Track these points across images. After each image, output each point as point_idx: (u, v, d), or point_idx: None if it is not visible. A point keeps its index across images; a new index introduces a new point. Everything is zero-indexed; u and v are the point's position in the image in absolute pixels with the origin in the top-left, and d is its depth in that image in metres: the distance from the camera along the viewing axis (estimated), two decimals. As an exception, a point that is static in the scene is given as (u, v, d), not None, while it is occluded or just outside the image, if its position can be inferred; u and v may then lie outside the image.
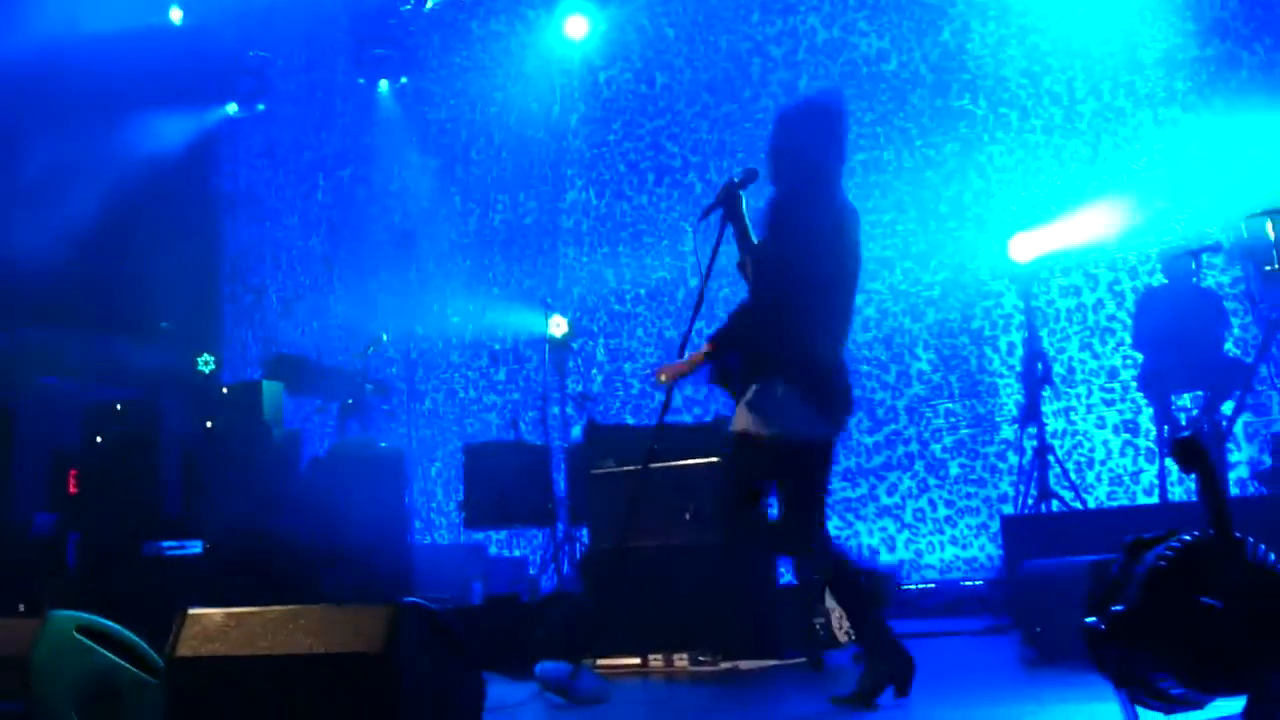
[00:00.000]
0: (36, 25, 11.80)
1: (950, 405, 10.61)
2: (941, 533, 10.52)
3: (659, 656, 7.11)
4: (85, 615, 4.99)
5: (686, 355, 5.86)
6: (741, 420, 5.27)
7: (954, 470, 10.54)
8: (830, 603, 6.86)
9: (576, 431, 10.51)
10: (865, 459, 10.74)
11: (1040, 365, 9.49)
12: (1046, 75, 10.53)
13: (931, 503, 10.56)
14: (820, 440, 5.34)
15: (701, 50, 11.81)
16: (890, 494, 10.67)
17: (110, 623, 5.02)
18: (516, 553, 11.67)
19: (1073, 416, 10.18)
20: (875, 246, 10.82)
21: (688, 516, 7.40)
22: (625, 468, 7.90)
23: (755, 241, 5.45)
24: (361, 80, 13.48)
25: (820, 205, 5.34)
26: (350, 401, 11.20)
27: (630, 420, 11.49)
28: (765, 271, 5.36)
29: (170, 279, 13.34)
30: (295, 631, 3.83)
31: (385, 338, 11.35)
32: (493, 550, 11.51)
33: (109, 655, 4.93)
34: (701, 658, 7.01)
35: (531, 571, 10.87)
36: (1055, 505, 9.20)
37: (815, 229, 5.29)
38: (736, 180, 5.57)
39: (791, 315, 5.30)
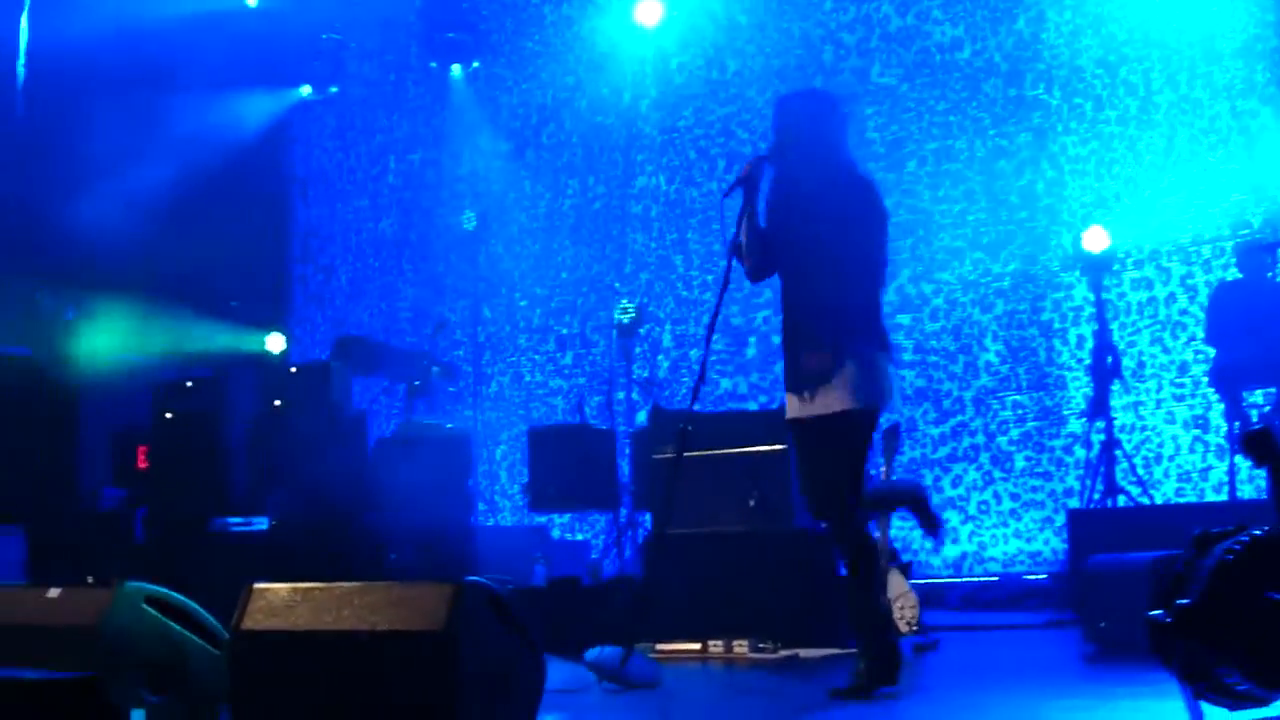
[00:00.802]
0: (117, 7, 11.94)
1: (1018, 397, 10.54)
2: (1006, 526, 10.45)
3: (719, 643, 7.12)
4: (154, 587, 5.05)
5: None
6: (841, 398, 5.22)
7: (1020, 463, 10.47)
8: (892, 592, 6.84)
9: (641, 417, 10.51)
10: (930, 450, 10.69)
11: (1110, 359, 9.40)
12: (1123, 65, 10.42)
13: (996, 495, 10.49)
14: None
15: (774, 37, 11.77)
16: (955, 485, 10.61)
17: (178, 595, 5.09)
18: (579, 536, 11.70)
19: (1142, 411, 10.08)
20: (945, 236, 10.77)
21: (752, 503, 7.40)
22: (690, 453, 7.89)
23: (762, 225, 5.52)
24: (434, 64, 13.53)
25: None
26: (417, 383, 11.27)
27: (696, 406, 11.47)
28: (836, 244, 5.32)
29: (241, 259, 13.47)
30: (359, 608, 3.86)
31: (453, 320, 11.40)
32: (555, 533, 11.54)
33: (176, 627, 5.00)
34: (761, 645, 7.01)
35: (594, 555, 10.89)
36: (1122, 500, 9.12)
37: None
38: (766, 154, 5.49)
39: (873, 286, 5.47)
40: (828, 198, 5.24)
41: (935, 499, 10.49)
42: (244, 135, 14.17)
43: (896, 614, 6.78)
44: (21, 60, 12.62)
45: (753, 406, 11.12)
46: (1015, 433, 10.50)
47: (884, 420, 9.88)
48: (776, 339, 11.21)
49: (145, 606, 4.97)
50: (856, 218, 5.25)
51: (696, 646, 7.12)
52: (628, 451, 10.39)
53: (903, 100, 11.15)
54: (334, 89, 14.40)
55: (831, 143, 5.43)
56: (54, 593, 5.25)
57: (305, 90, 14.42)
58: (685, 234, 11.94)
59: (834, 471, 5.28)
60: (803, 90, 5.60)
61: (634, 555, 9.69)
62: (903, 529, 10.32)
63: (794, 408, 5.39)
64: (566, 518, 11.63)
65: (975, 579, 10.32)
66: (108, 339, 12.67)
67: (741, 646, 7.02)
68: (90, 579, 9.84)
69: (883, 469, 7.30)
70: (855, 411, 5.19)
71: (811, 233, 5.30)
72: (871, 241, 5.27)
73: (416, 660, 3.68)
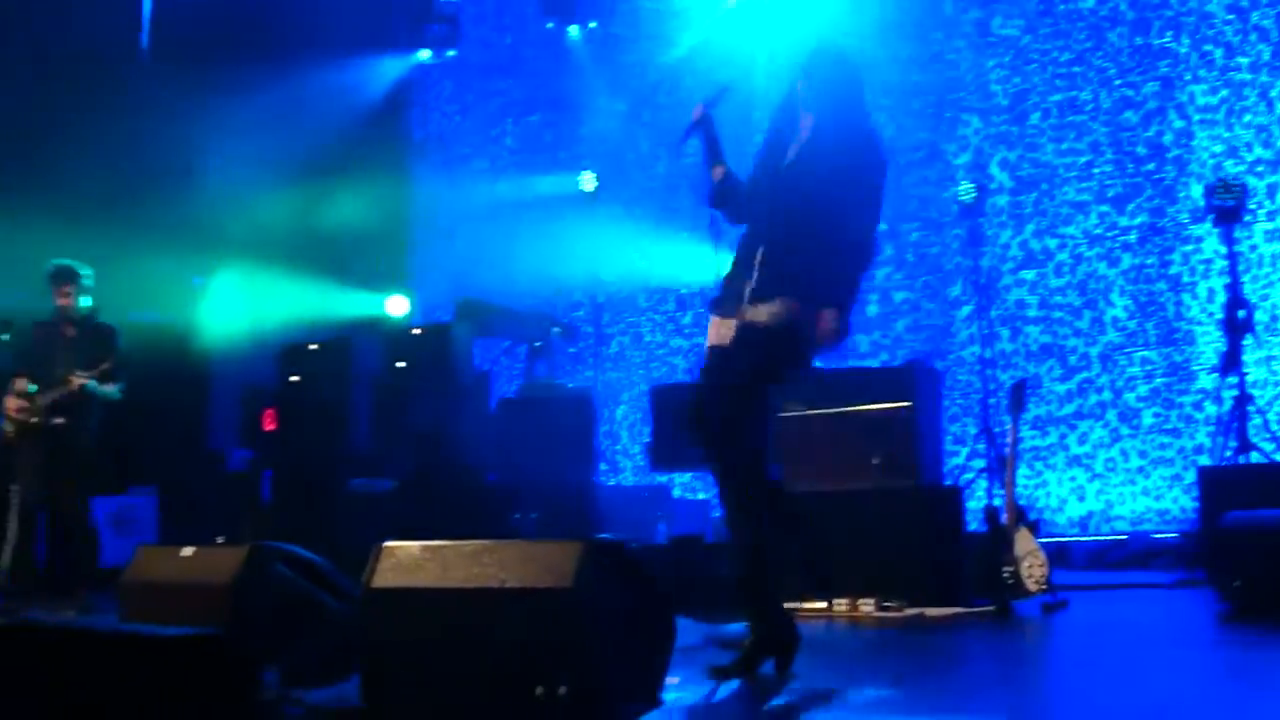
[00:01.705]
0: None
1: (1146, 353, 10.34)
2: (1133, 484, 10.27)
3: (844, 601, 7.08)
4: (285, 545, 5.14)
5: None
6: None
7: (1148, 420, 10.28)
8: (1020, 550, 6.76)
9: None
10: (1056, 407, 10.53)
11: (1242, 312, 9.19)
12: (1254, 10, 10.14)
13: (1124, 453, 10.32)
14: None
15: (892, -10, 11.63)
16: (1081, 443, 10.45)
17: (308, 553, 5.17)
18: (700, 495, 11.70)
19: (1275, 366, 9.84)
20: (1070, 190, 10.59)
21: (876, 461, 7.34)
22: (813, 410, 7.86)
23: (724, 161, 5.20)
24: (551, 25, 13.53)
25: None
26: (538, 344, 11.33)
27: (817, 364, 11.42)
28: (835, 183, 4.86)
29: (363, 223, 13.61)
30: (488, 565, 3.89)
31: (572, 283, 11.44)
32: (676, 493, 11.56)
33: (307, 584, 5.08)
34: (887, 603, 6.96)
35: (715, 514, 10.90)
36: (1255, 457, 8.92)
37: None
38: (709, 99, 5.31)
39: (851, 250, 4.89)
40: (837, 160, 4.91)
41: (1060, 457, 10.37)
42: (364, 100, 14.31)
43: (1025, 572, 6.71)
44: (145, 26, 12.83)
45: (874, 364, 11.03)
46: (1143, 389, 10.30)
47: (1010, 377, 9.80)
48: (898, 296, 11.15)
49: (277, 564, 5.05)
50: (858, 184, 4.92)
51: (823, 605, 7.09)
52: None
53: (1025, 52, 10.95)
54: (452, 53, 14.48)
55: (855, 103, 5.15)
56: (188, 552, 5.36)
57: (424, 54, 14.51)
58: (804, 191, 11.84)
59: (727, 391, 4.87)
60: (832, 47, 5.27)
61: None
62: (1028, 486, 10.22)
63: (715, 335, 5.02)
64: (688, 476, 11.63)
65: (1103, 537, 10.16)
66: (235, 304, 12.88)
67: (867, 605, 6.98)
68: (220, 539, 10.07)
69: (1009, 426, 7.22)
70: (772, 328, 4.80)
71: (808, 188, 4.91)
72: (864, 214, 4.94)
73: (545, 617, 3.70)
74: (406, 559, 4.07)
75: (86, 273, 8.68)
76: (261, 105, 12.55)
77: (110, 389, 8.50)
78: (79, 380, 8.25)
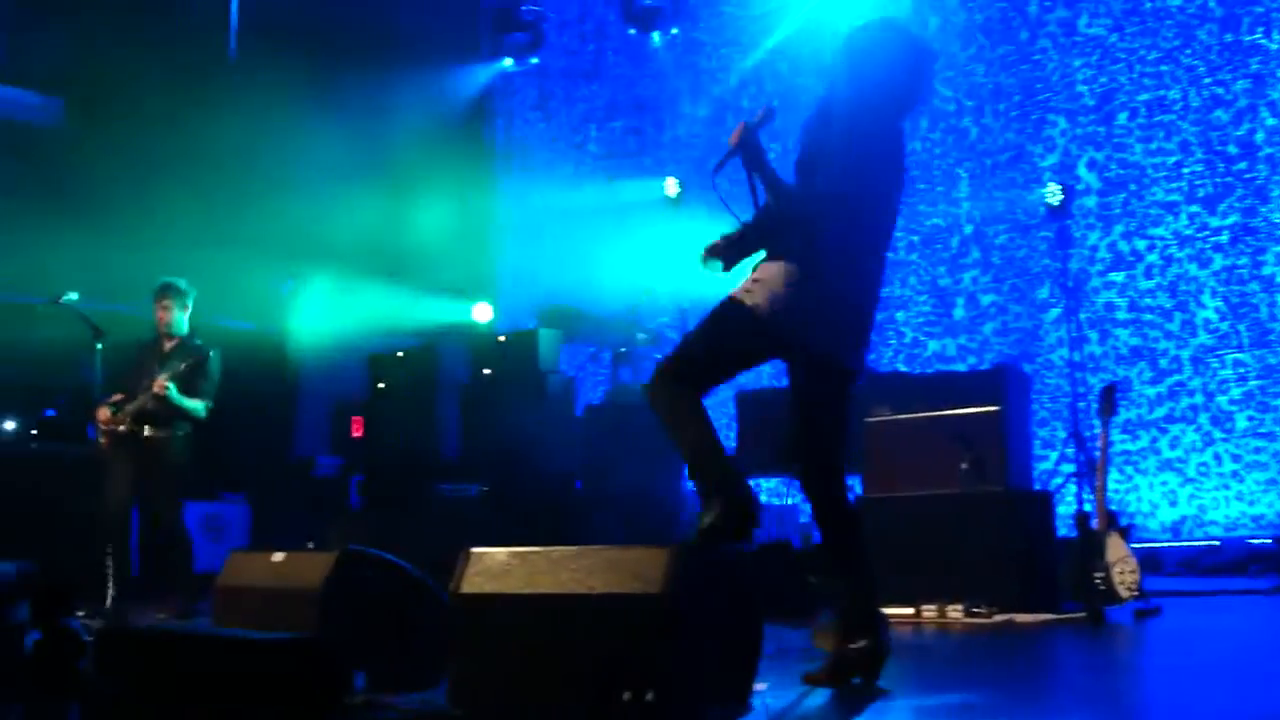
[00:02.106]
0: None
1: (1239, 355, 10.18)
2: (1227, 488, 10.11)
3: (932, 607, 7.03)
4: (374, 551, 5.18)
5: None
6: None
7: (1241, 423, 10.12)
8: (1112, 556, 6.68)
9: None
10: (1146, 410, 10.40)
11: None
12: (1349, 5, 9.98)
13: (1217, 457, 10.17)
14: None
15: (976, -10, 11.55)
16: (1173, 447, 10.30)
17: (396, 559, 5.21)
18: (789, 500, 11.66)
19: (1373, 368, 9.67)
20: (1159, 190, 10.45)
21: (964, 465, 7.28)
22: (900, 415, 7.82)
23: (782, 182, 4.72)
24: (632, 31, 13.57)
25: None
26: (623, 350, 11.34)
27: (903, 368, 11.36)
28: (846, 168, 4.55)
29: (448, 231, 13.70)
30: (576, 571, 3.89)
31: (656, 287, 11.45)
32: (764, 498, 11.52)
33: (396, 590, 5.12)
34: (976, 609, 6.90)
35: (803, 519, 10.85)
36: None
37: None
38: (754, 122, 4.78)
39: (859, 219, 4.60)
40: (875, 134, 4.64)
41: (1151, 461, 10.23)
42: (449, 108, 14.42)
43: (1116, 578, 6.63)
44: (232, 36, 13.00)
45: (961, 368, 10.95)
46: (1236, 392, 10.14)
47: (1099, 380, 9.69)
48: (986, 299, 11.06)
49: (366, 570, 5.10)
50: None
51: (910, 611, 7.04)
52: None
53: (1112, 51, 10.83)
54: (535, 60, 14.56)
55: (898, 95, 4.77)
56: (279, 557, 5.41)
57: (507, 62, 14.60)
58: (889, 195, 11.77)
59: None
60: (877, 23, 4.95)
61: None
62: (1119, 491, 10.10)
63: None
64: (774, 482, 11.60)
65: (1195, 543, 10.02)
66: (323, 312, 13.01)
67: (956, 611, 6.92)
68: (310, 544, 10.17)
69: (1099, 430, 7.14)
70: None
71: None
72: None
73: (635, 623, 3.69)
74: (494, 565, 4.08)
75: (186, 289, 8.80)
76: (348, 114, 12.69)
77: (194, 403, 8.58)
78: (161, 383, 8.35)
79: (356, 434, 12.08)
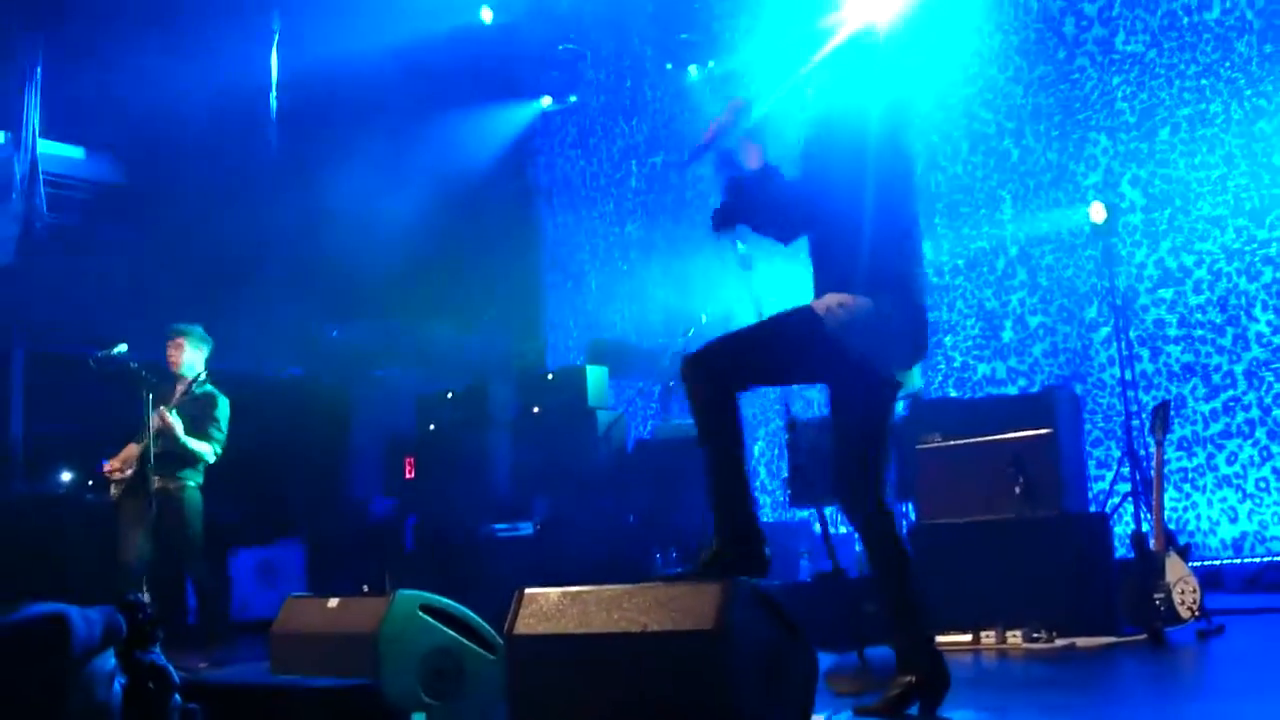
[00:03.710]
0: (359, 35, 12.34)
1: (1294, 368, 10.08)
2: (1288, 503, 10.00)
3: (991, 633, 6.98)
4: (428, 594, 5.20)
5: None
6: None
7: (1300, 437, 10.02)
8: (1171, 576, 6.61)
9: (899, 407, 10.38)
10: (1201, 427, 10.30)
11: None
12: (1389, 10, 9.89)
13: (1275, 471, 10.05)
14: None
15: (1011, 13, 11.51)
16: (1230, 463, 10.20)
17: (451, 601, 5.22)
18: (842, 529, 11.60)
19: None
20: (1204, 205, 10.37)
21: (1018, 489, 7.24)
22: (951, 441, 7.78)
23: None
24: (669, 66, 13.60)
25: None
26: (671, 384, 11.34)
27: (954, 393, 11.31)
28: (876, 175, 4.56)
29: (494, 269, 13.77)
30: (629, 610, 3.89)
31: (705, 320, 11.44)
32: (818, 528, 11.47)
33: (450, 632, 5.13)
34: (1035, 634, 6.85)
35: (858, 548, 10.80)
36: None
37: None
38: (724, 119, 4.83)
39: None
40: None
41: (1208, 478, 10.13)
42: (490, 150, 14.50)
43: (1177, 599, 6.56)
44: (274, 92, 13.15)
45: (1011, 391, 10.88)
46: (1293, 405, 10.04)
47: (1152, 398, 9.61)
48: (1034, 320, 11.00)
49: (420, 613, 5.11)
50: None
51: (968, 638, 6.99)
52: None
53: (1151, 67, 10.78)
54: (573, 98, 14.63)
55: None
56: (334, 602, 5.44)
57: (546, 101, 14.68)
58: (933, 219, 11.74)
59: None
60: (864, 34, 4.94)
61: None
62: (1176, 509, 10.00)
63: None
64: (829, 511, 11.55)
65: (1258, 560, 9.89)
66: (371, 356, 13.09)
67: (1015, 637, 6.87)
68: (365, 587, 10.20)
69: (1154, 449, 7.08)
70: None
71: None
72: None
73: (689, 660, 3.69)
74: (548, 606, 4.09)
75: (195, 331, 8.85)
76: (393, 159, 12.78)
77: (201, 447, 8.61)
78: (164, 413, 8.37)
79: (409, 476, 12.13)
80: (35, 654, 3.91)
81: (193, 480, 8.66)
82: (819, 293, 4.60)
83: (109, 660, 4.08)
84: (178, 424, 8.46)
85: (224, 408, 8.81)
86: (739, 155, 4.78)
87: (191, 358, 8.81)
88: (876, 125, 4.62)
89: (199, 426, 8.61)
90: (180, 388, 8.71)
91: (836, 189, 4.58)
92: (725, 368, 4.44)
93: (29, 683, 3.90)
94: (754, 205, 4.75)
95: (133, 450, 8.62)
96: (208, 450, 8.65)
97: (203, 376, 8.82)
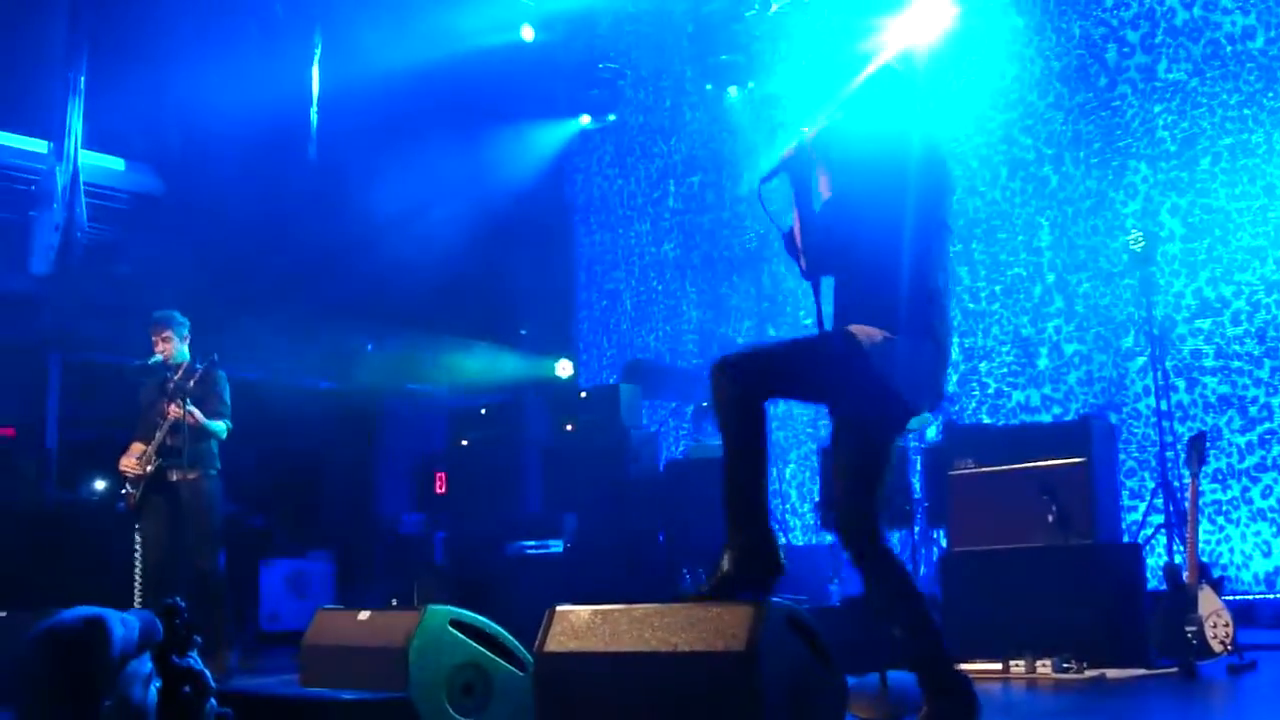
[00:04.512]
0: (400, 53, 12.41)
1: (1331, 402, 10.01)
2: (1324, 538, 9.92)
3: (1020, 662, 6.94)
4: (457, 610, 5.21)
5: None
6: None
7: (1336, 471, 9.94)
8: (1203, 609, 6.57)
9: (932, 433, 10.36)
10: (1237, 459, 10.23)
11: None
12: None
13: (1312, 505, 9.98)
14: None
15: (1053, 39, 11.48)
16: (1265, 496, 10.12)
17: (481, 617, 5.23)
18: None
19: None
20: (1244, 235, 10.31)
21: (1050, 518, 7.21)
22: (984, 468, 7.75)
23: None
24: (709, 86, 13.62)
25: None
26: (705, 404, 11.34)
27: (987, 420, 11.27)
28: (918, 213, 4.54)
29: (529, 288, 13.81)
30: (659, 629, 3.89)
31: (739, 341, 11.46)
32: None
33: (480, 649, 5.14)
34: (1065, 664, 6.81)
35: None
36: None
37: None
38: (805, 142, 4.77)
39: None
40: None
41: (1243, 511, 10.06)
42: (527, 168, 14.55)
43: (1209, 632, 6.51)
44: (314, 108, 13.23)
45: (1046, 419, 10.84)
46: (1331, 439, 9.97)
47: (1188, 429, 9.56)
48: (1069, 348, 10.96)
49: (450, 628, 5.12)
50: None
51: (997, 666, 6.96)
52: (919, 467, 10.25)
53: (1193, 96, 10.73)
54: (612, 117, 14.66)
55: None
56: (364, 615, 5.46)
57: (584, 120, 14.71)
58: (970, 244, 11.72)
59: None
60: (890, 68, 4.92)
61: (929, 573, 9.54)
62: (1210, 542, 9.93)
63: None
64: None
65: (1293, 595, 9.82)
66: (405, 370, 13.13)
67: (1045, 667, 6.83)
68: (394, 601, 10.22)
69: (1188, 480, 7.03)
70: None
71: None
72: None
73: (719, 681, 3.68)
74: (578, 623, 4.09)
75: (174, 317, 8.88)
76: (431, 176, 12.85)
77: (215, 424, 8.66)
78: (177, 408, 8.40)
79: (440, 491, 12.16)
80: (74, 656, 3.94)
81: (212, 469, 8.70)
82: (839, 323, 4.58)
83: (145, 663, 4.11)
84: (197, 413, 8.50)
85: (224, 380, 8.85)
86: (813, 181, 4.74)
87: (179, 344, 8.83)
88: (916, 162, 4.60)
89: (209, 406, 8.63)
90: (179, 375, 8.71)
91: (874, 227, 4.55)
92: (754, 371, 4.44)
93: (68, 684, 3.93)
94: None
95: (140, 448, 8.63)
96: (222, 426, 8.70)
97: (195, 358, 8.84)
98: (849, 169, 4.70)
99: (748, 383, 4.42)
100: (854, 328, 4.48)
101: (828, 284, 4.80)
